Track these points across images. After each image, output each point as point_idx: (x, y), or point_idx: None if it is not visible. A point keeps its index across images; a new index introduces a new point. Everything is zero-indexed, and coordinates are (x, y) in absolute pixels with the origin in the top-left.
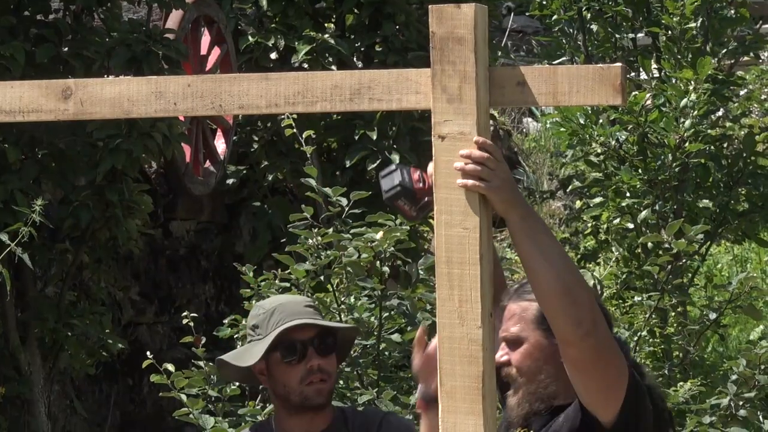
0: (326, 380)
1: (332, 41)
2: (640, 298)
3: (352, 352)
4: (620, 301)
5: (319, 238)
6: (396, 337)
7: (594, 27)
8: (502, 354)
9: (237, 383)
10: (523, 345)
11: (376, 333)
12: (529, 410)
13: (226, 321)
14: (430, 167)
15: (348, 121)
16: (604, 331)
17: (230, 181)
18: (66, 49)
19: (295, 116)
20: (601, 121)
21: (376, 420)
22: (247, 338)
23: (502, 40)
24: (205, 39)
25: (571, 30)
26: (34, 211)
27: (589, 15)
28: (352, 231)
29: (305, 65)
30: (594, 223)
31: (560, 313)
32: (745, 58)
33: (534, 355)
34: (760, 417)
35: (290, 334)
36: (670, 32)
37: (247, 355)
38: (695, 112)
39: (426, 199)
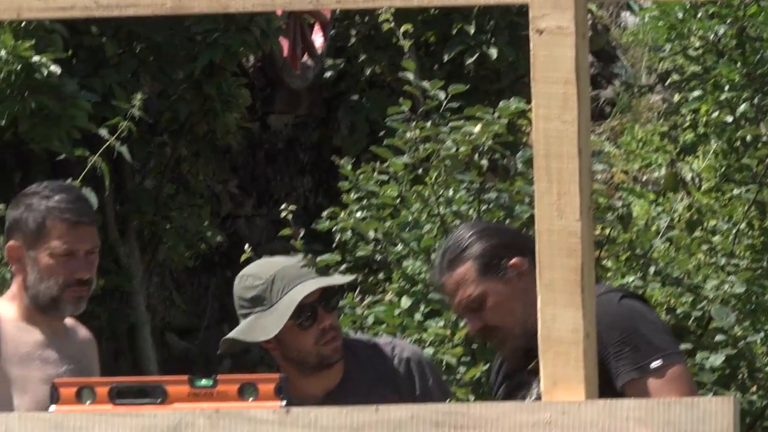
0: (338, 336)
1: None
2: (738, 191)
3: None
4: (719, 194)
5: (417, 131)
6: None
7: None
8: (472, 325)
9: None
10: (486, 301)
11: None
12: (524, 349)
13: (324, 214)
14: None
15: (446, 16)
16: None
17: (328, 74)
18: None
19: (392, 10)
20: (699, 14)
21: (386, 348)
22: (241, 311)
23: None
24: None
25: None
26: (134, 106)
27: None
28: (450, 124)
29: None
30: (693, 116)
31: None
32: None
33: (501, 302)
34: None
35: (300, 295)
36: None
37: (259, 329)
38: None
39: None
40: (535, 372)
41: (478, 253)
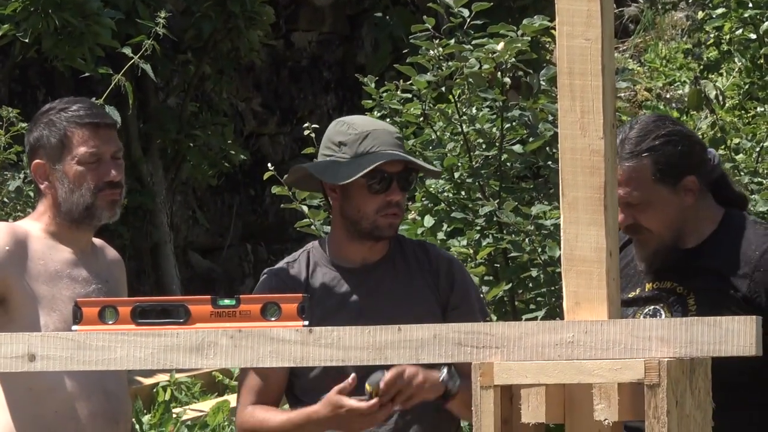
0: (399, 215)
1: None
2: (762, 109)
3: (473, 163)
4: (742, 111)
5: (441, 48)
6: (518, 147)
7: None
8: (623, 218)
9: None
10: (649, 206)
11: (497, 144)
12: (663, 255)
13: None
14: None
15: None
16: None
17: None
18: None
19: None
20: None
21: (432, 248)
22: (324, 150)
23: None
24: None
25: None
26: (158, 24)
27: None
28: (473, 42)
29: None
30: (716, 33)
31: None
32: None
33: (663, 211)
34: None
35: (382, 163)
36: None
37: (332, 171)
38: None
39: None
40: (658, 299)
41: (661, 156)
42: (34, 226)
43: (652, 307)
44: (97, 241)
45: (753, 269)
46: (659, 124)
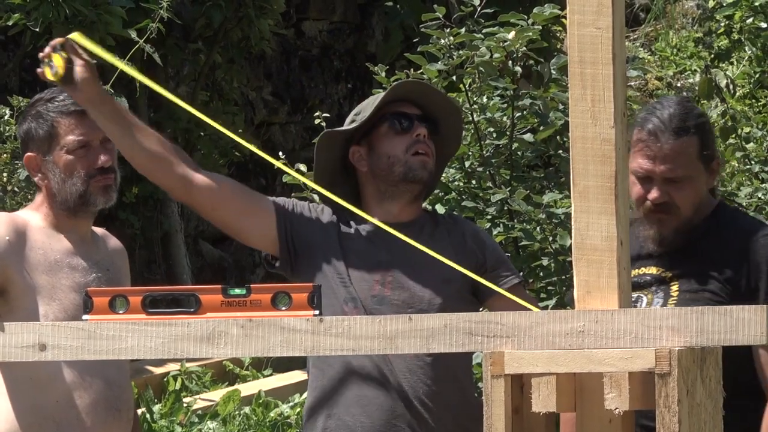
0: (429, 155)
1: None
2: None
3: (484, 152)
4: (753, 100)
5: (452, 38)
6: (528, 136)
7: None
8: (657, 194)
9: None
10: (688, 183)
11: (508, 133)
12: (679, 235)
13: None
14: None
15: None
16: None
17: None
18: None
19: None
20: None
21: (457, 217)
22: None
23: None
24: None
25: None
26: (162, 8)
27: None
28: (484, 31)
29: None
30: (727, 22)
31: None
32: None
33: (698, 190)
34: None
35: (398, 107)
36: None
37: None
38: None
39: None
40: (642, 286)
41: (704, 135)
42: (33, 216)
43: (636, 294)
44: (98, 230)
45: (742, 253)
46: (691, 104)
